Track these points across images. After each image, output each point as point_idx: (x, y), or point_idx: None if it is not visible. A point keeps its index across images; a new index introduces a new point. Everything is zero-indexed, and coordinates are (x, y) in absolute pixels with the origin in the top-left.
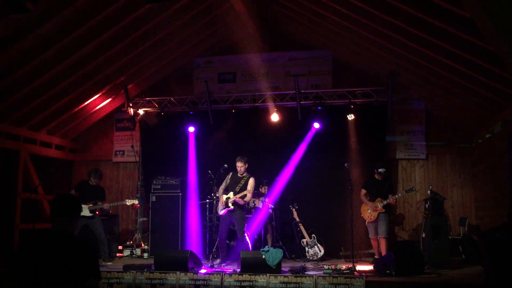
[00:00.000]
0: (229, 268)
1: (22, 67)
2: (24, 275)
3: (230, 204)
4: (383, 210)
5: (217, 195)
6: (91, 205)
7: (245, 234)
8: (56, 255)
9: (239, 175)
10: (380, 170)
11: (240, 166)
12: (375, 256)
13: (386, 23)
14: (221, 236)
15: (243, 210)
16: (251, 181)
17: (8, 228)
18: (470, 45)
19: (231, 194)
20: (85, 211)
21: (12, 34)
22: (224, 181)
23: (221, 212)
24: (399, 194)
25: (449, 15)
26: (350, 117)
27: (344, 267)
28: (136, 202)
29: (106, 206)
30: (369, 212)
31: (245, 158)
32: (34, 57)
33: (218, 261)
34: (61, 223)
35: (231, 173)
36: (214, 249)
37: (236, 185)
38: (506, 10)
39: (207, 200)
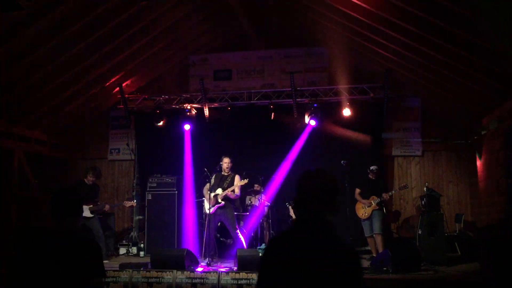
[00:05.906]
0: (224, 266)
1: (16, 66)
2: (27, 276)
3: (220, 200)
4: (377, 207)
5: (204, 195)
6: (91, 205)
7: (237, 231)
8: (61, 255)
9: (224, 173)
10: (372, 168)
11: (226, 161)
12: (373, 254)
13: (381, 19)
14: (210, 235)
15: (233, 207)
16: (237, 177)
17: (4, 226)
18: (466, 42)
19: (219, 190)
20: (86, 212)
21: (5, 32)
22: (208, 182)
23: (210, 210)
24: (393, 191)
25: (445, 12)
26: (346, 112)
27: None
28: (134, 203)
29: (107, 208)
30: (363, 210)
31: (231, 157)
32: (28, 55)
33: (207, 260)
34: (66, 222)
35: (214, 174)
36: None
37: (223, 183)
38: (504, 8)
39: (203, 198)
